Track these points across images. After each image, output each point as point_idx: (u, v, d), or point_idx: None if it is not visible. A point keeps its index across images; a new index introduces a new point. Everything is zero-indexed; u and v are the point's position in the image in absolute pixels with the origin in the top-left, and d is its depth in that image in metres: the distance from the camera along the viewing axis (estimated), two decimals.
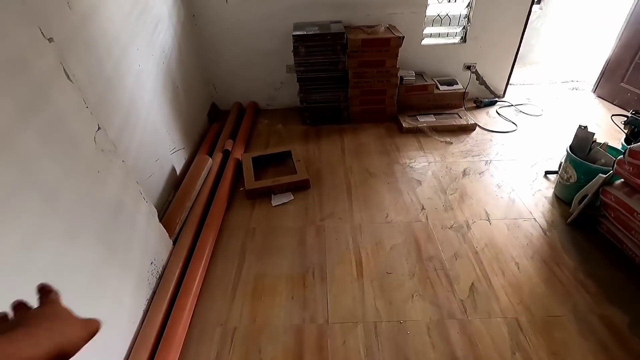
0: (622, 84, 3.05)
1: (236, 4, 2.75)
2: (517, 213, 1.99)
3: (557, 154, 2.49)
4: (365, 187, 2.25)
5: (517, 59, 3.14)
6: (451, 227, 1.92)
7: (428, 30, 3.00)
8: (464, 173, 2.33)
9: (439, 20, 3.07)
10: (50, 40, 1.07)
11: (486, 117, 3.02)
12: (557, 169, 2.29)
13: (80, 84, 1.19)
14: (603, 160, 1.85)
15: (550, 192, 2.14)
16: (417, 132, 2.80)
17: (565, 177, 2.00)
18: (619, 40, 3.04)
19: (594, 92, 3.37)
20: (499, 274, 1.65)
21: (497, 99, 3.24)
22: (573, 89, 3.59)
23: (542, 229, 1.88)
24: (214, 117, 3.11)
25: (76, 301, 1.09)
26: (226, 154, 2.51)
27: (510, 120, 2.94)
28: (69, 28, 1.35)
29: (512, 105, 3.19)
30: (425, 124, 2.81)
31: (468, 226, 1.91)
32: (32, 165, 0.96)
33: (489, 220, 1.95)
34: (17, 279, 0.88)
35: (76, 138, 1.15)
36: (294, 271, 1.70)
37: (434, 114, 2.96)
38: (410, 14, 2.85)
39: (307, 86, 2.79)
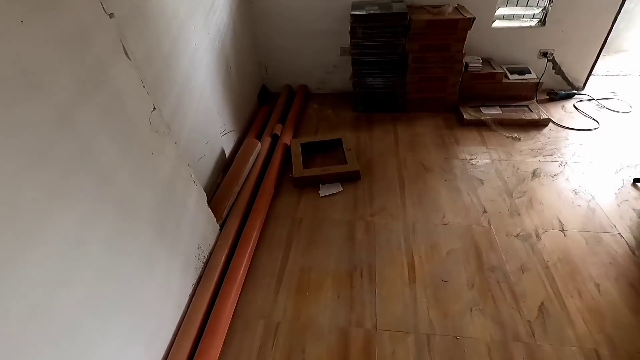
0: None
1: None
2: (598, 225, 1.74)
3: None
4: (420, 182, 2.08)
5: (604, 47, 2.73)
6: (517, 235, 1.71)
7: (501, 11, 2.68)
8: (534, 174, 2.08)
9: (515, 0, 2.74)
10: (111, 15, 1.02)
11: (561, 112, 2.69)
12: None
13: (138, 62, 1.15)
14: None
15: (638, 203, 1.85)
16: (479, 125, 2.56)
17: None
18: None
19: None
20: (574, 294, 1.44)
21: (575, 91, 2.87)
22: None
23: (630, 246, 1.62)
24: (264, 100, 3.06)
25: (126, 283, 1.08)
26: (275, 139, 2.44)
27: (590, 117, 2.59)
28: (129, 3, 1.31)
29: (594, 99, 2.80)
30: (489, 117, 2.55)
31: (538, 236, 1.70)
32: (91, 142, 0.93)
33: (563, 230, 1.72)
34: (73, 259, 0.86)
35: (133, 117, 1.12)
36: (340, 268, 1.61)
37: (500, 106, 2.67)
38: None
39: (361, 70, 2.63)
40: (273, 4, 2.75)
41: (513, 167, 2.16)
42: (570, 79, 2.92)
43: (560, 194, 1.93)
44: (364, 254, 1.67)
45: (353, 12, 2.39)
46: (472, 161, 2.23)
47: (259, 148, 2.23)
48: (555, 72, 2.88)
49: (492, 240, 1.70)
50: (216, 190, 1.95)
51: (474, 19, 2.32)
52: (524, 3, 2.74)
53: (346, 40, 2.59)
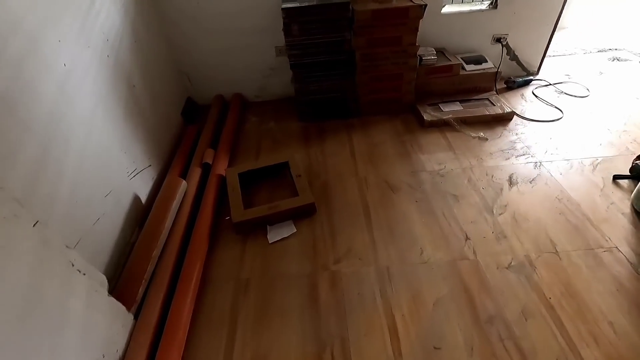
0: None
1: None
2: (592, 240, 1.51)
3: (618, 146, 1.99)
4: (388, 207, 1.75)
5: (556, 29, 2.57)
6: (509, 266, 1.44)
7: None
8: (511, 182, 1.83)
9: None
10: None
11: (522, 102, 2.49)
12: (629, 173, 1.81)
13: None
14: None
15: (626, 205, 1.66)
16: (442, 125, 2.27)
17: None
18: None
19: None
20: (589, 342, 1.19)
21: (532, 77, 2.70)
22: (614, 59, 3.05)
23: (632, 263, 1.41)
24: (191, 116, 2.54)
25: None
26: (206, 168, 1.97)
27: (552, 105, 2.41)
28: None
29: (551, 84, 2.65)
30: (451, 115, 2.28)
31: (532, 264, 1.44)
32: None
33: (557, 252, 1.48)
34: None
35: None
36: (306, 349, 1.23)
37: (460, 101, 2.42)
38: None
39: (303, 74, 2.22)
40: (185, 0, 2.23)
41: (487, 174, 1.89)
42: (524, 64, 2.74)
43: (543, 204, 1.69)
44: (333, 323, 1.30)
45: (285, 5, 1.96)
46: (441, 172, 1.93)
47: (184, 187, 1.76)
48: (509, 58, 2.68)
49: (482, 277, 1.40)
50: (130, 254, 1.46)
51: (425, 5, 1.99)
52: None
53: (281, 39, 2.16)
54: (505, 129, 2.22)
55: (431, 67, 2.34)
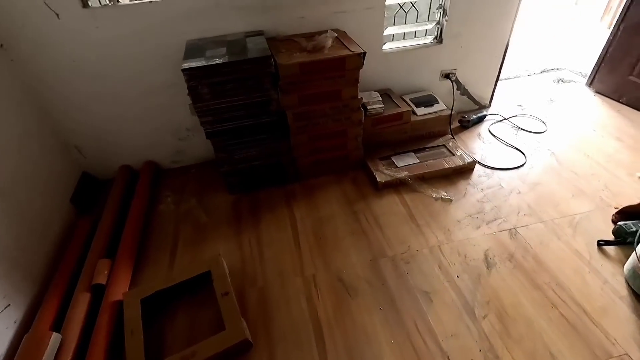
0: (631, 77, 2.41)
1: (80, 17, 1.61)
2: (597, 346, 1.22)
3: (591, 196, 1.77)
4: (345, 322, 1.34)
5: (504, 60, 2.37)
6: None
7: (390, 30, 2.08)
8: (488, 263, 1.52)
9: (403, 14, 2.17)
10: None
11: (480, 143, 2.24)
12: (612, 237, 1.57)
13: None
14: None
15: (620, 284, 1.41)
16: (398, 184, 1.93)
17: None
18: (623, 21, 2.38)
19: (589, 86, 2.74)
20: None
21: (485, 112, 2.47)
22: (559, 81, 2.95)
23: None
24: (88, 197, 1.97)
25: None
26: (99, 290, 1.44)
27: (512, 146, 2.18)
28: None
29: (505, 118, 2.43)
30: (407, 172, 1.94)
31: None
32: None
33: None
34: None
35: None
36: None
37: (415, 151, 2.10)
38: (364, 11, 1.91)
39: (224, 143, 1.77)
40: (56, 56, 1.68)
41: (459, 254, 1.56)
42: (476, 98, 2.51)
43: (531, 294, 1.39)
44: None
45: (186, 65, 1.49)
46: (405, 256, 1.57)
47: (57, 341, 1.22)
48: (460, 93, 2.43)
49: None
50: None
51: (364, 53, 1.64)
52: (413, 18, 2.18)
53: None
54: (468, 184, 1.93)
55: (378, 117, 2.00)
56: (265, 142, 1.82)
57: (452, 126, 2.33)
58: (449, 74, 2.29)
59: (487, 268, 1.50)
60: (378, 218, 1.77)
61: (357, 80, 1.71)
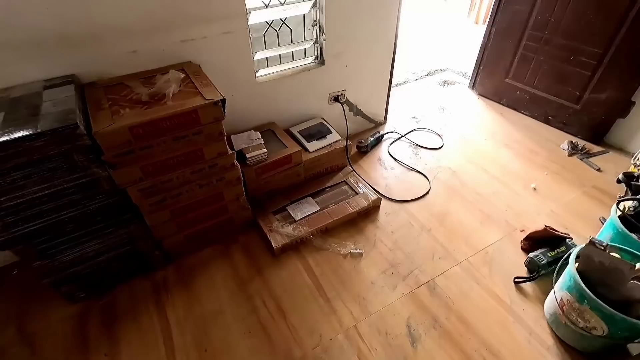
0: (507, 79, 2.46)
1: None
2: None
3: (497, 220, 1.68)
4: None
5: (393, 70, 2.19)
6: None
7: (261, 55, 1.70)
8: (412, 337, 1.28)
9: (274, 33, 1.80)
10: None
11: (382, 171, 2.03)
12: (528, 273, 1.47)
13: None
14: None
15: (545, 333, 1.30)
16: (299, 245, 1.60)
17: (583, 325, 1.14)
18: (494, 25, 2.39)
19: (472, 89, 2.77)
20: None
21: (381, 132, 2.27)
22: (444, 83, 2.95)
23: None
24: None
25: None
26: None
27: (414, 169, 2.02)
28: None
29: (402, 135, 2.28)
30: (307, 227, 1.62)
31: None
32: None
33: None
34: None
35: None
36: None
37: (314, 195, 1.78)
38: (221, 37, 1.49)
39: (36, 249, 1.19)
40: None
41: (379, 332, 1.30)
42: (371, 117, 2.30)
43: None
44: None
45: None
46: (318, 353, 1.24)
47: None
48: (353, 114, 2.19)
49: None
50: None
51: (223, 100, 1.23)
52: (287, 37, 1.83)
53: None
54: (377, 227, 1.69)
55: (263, 166, 1.62)
56: (106, 231, 1.29)
57: (351, 152, 2.09)
58: (337, 96, 2.01)
59: (413, 345, 1.26)
60: (280, 300, 1.40)
61: (221, 134, 1.30)
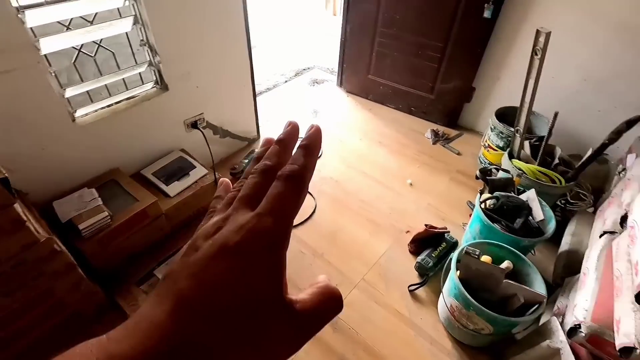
0: (370, 76, 2.51)
1: None
2: None
3: (384, 227, 1.68)
4: None
5: (254, 81, 1.99)
6: None
7: (73, 90, 1.30)
8: None
9: (89, 60, 1.40)
10: None
11: None
12: (419, 278, 1.49)
13: None
14: (522, 300, 1.10)
15: (441, 335, 1.32)
16: None
17: (473, 327, 1.18)
18: (348, 23, 2.38)
19: (340, 87, 2.77)
20: None
21: (255, 149, 2.08)
22: (314, 83, 2.90)
23: None
24: None
25: None
26: None
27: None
28: None
29: None
30: None
31: None
32: None
33: None
34: None
35: None
36: None
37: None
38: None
39: None
40: None
41: None
42: (242, 135, 2.08)
43: None
44: None
45: None
46: None
47: None
48: (220, 137, 1.94)
49: None
50: None
51: (4, 180, 0.86)
52: (111, 62, 1.46)
53: None
54: None
55: (108, 233, 1.27)
56: None
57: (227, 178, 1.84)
58: (195, 121, 1.73)
59: None
60: None
61: (19, 222, 0.93)
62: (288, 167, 0.21)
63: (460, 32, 2.00)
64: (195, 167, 1.62)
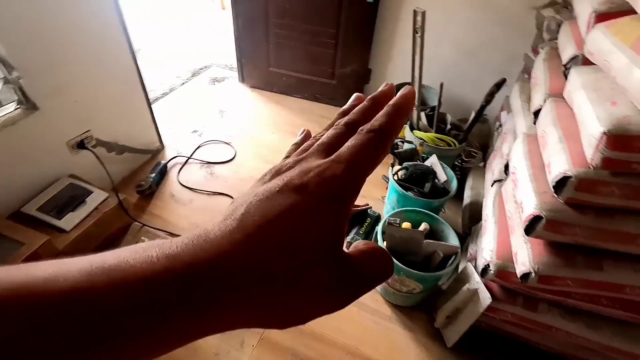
0: (271, 68, 2.48)
1: None
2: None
3: None
4: None
5: (145, 87, 1.81)
6: None
7: None
8: None
9: None
10: None
11: (180, 209, 1.72)
12: None
13: None
14: (442, 255, 1.22)
15: (380, 303, 1.41)
16: None
17: (406, 290, 1.28)
18: (238, 16, 2.31)
19: (243, 82, 2.69)
20: None
21: (162, 161, 1.91)
22: (214, 81, 2.77)
23: None
24: None
25: None
26: None
27: (215, 192, 1.80)
28: None
29: (190, 157, 1.99)
30: None
31: None
32: None
33: None
34: None
35: None
36: None
37: None
38: None
39: None
40: None
41: None
42: (143, 148, 1.89)
43: None
44: None
45: None
46: None
47: None
48: (116, 153, 1.73)
49: None
50: None
51: None
52: None
53: None
54: None
55: None
56: None
57: (134, 201, 1.67)
58: (81, 141, 1.51)
59: None
60: None
61: None
62: (372, 122, 0.21)
63: (349, 17, 2.08)
64: (92, 192, 1.43)
